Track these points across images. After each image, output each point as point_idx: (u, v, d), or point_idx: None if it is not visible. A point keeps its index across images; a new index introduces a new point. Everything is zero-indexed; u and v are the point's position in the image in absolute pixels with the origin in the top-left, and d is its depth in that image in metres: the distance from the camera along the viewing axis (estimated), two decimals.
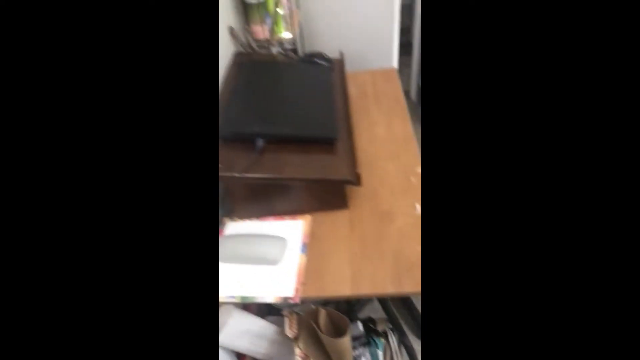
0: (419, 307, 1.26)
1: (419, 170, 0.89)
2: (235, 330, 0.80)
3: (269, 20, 1.23)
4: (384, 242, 0.76)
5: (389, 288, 0.68)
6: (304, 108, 0.87)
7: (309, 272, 0.73)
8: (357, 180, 0.75)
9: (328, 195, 0.82)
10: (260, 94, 0.90)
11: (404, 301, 1.26)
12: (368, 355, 0.94)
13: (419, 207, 0.81)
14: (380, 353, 0.95)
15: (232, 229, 0.84)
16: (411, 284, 0.68)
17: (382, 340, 0.98)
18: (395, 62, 1.68)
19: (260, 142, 0.77)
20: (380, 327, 1.01)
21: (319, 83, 0.98)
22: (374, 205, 0.83)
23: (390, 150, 0.96)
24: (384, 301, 1.29)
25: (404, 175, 0.89)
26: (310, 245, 0.78)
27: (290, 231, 0.81)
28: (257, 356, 0.85)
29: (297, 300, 0.69)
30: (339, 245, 0.77)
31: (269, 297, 0.71)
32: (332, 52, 1.17)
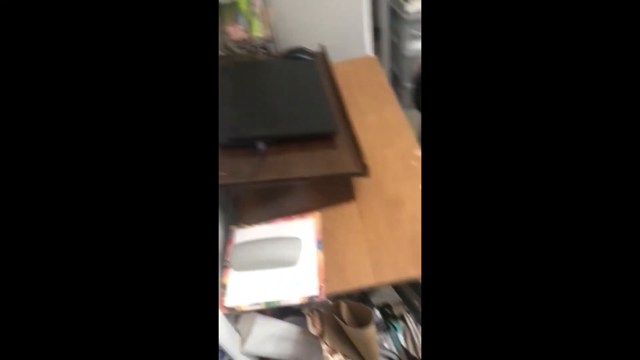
0: None
1: (419, 153, 0.91)
2: (260, 336, 0.79)
3: (242, 20, 1.20)
4: (398, 228, 0.77)
5: (412, 272, 0.69)
6: (298, 105, 0.87)
7: (329, 268, 0.73)
8: (364, 171, 0.76)
9: (335, 189, 0.82)
10: (251, 95, 0.88)
11: (413, 282, 1.29)
12: (390, 340, 0.96)
13: None
14: (400, 336, 0.97)
15: (242, 236, 0.83)
16: None
17: (401, 323, 0.99)
18: (369, 50, 1.69)
19: (261, 145, 0.75)
20: (396, 311, 1.03)
21: (306, 78, 0.97)
22: (380, 193, 0.84)
23: (386, 137, 0.97)
24: (396, 285, 1.32)
25: (403, 160, 0.91)
26: (325, 242, 0.78)
27: (302, 230, 0.81)
28: (285, 358, 0.84)
29: (324, 298, 0.69)
30: (354, 237, 0.77)
31: (294, 298, 0.71)
32: (308, 47, 1.16)
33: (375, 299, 1.22)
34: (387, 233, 0.76)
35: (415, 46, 1.82)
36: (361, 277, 0.70)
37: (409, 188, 0.84)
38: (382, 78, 1.18)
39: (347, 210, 0.82)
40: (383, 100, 1.09)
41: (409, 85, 1.91)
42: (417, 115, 1.13)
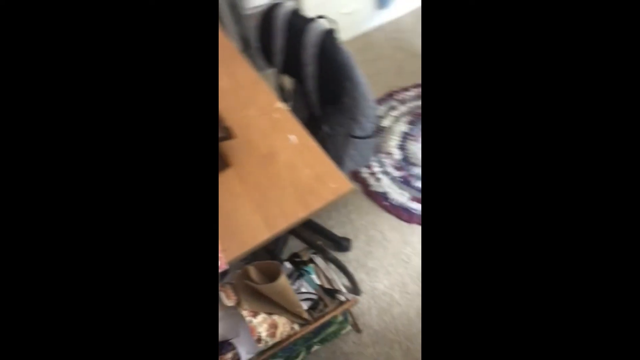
0: (321, 223, 1.40)
1: (278, 105, 0.93)
2: None
3: None
4: (277, 179, 0.79)
5: (300, 213, 0.73)
6: None
7: (223, 237, 0.73)
8: (229, 134, 0.75)
9: None
10: None
11: (310, 226, 1.37)
12: (305, 283, 1.03)
13: (292, 137, 0.86)
14: (314, 277, 1.04)
15: None
16: (317, 201, 0.75)
17: (311, 265, 1.06)
18: None
19: None
20: (305, 257, 1.09)
21: None
22: (253, 152, 0.85)
23: (244, 97, 0.96)
24: (297, 234, 1.38)
25: (266, 115, 0.92)
26: None
27: None
28: None
29: (226, 266, 0.69)
30: (239, 201, 0.77)
31: None
32: None
33: (285, 255, 1.27)
34: (269, 187, 0.78)
35: (253, 2, 1.78)
36: (257, 235, 0.72)
37: (278, 140, 0.86)
38: (225, 41, 1.14)
39: (225, 178, 0.81)
40: (232, 63, 1.06)
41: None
42: (272, 74, 1.14)
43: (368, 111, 1.04)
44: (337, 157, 1.15)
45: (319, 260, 1.10)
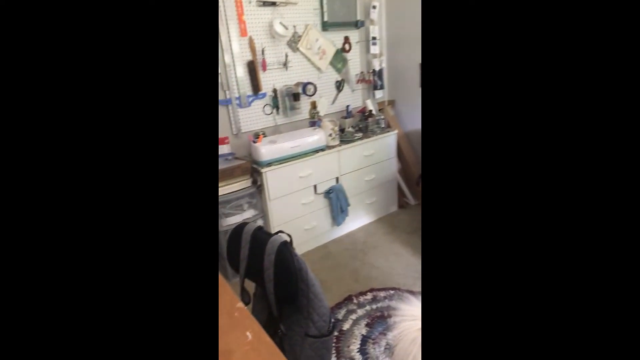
0: None
1: (239, 305, 1.04)
2: None
3: None
4: None
5: None
6: None
7: None
8: None
9: None
10: None
11: None
12: None
13: (249, 334, 0.93)
14: None
15: None
16: None
17: None
18: None
19: None
20: None
21: None
22: None
23: None
24: None
25: (227, 314, 1.01)
26: None
27: None
28: None
29: None
30: None
31: None
32: None
33: None
34: None
35: (228, 222, 2.11)
36: None
37: (236, 337, 0.93)
38: None
39: None
40: None
41: None
42: (238, 281, 1.29)
43: (321, 310, 1.15)
44: (295, 357, 1.17)
45: None
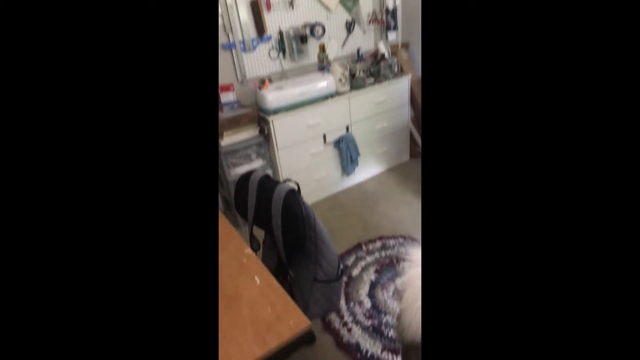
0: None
1: (248, 251, 1.04)
2: None
3: None
4: (240, 319, 0.83)
5: (257, 352, 0.75)
6: None
7: None
8: None
9: None
10: None
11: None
12: None
13: (257, 279, 0.94)
14: None
15: None
16: (275, 339, 0.77)
17: None
18: None
19: None
20: None
21: None
22: (219, 295, 0.90)
23: (219, 246, 1.08)
24: None
25: (236, 260, 1.02)
26: None
27: None
28: None
29: None
30: None
31: None
32: None
33: None
34: (231, 327, 0.81)
35: (236, 172, 2.10)
36: None
37: (244, 282, 0.93)
38: None
39: None
40: None
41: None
42: (247, 229, 1.29)
43: (329, 256, 1.15)
44: (304, 301, 1.19)
45: None
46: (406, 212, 2.19)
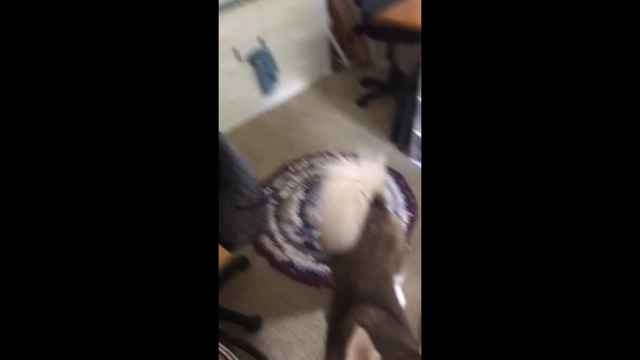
0: (229, 307, 1.30)
1: None
2: None
3: None
4: None
5: None
6: None
7: None
8: None
9: None
10: None
11: None
12: None
13: None
14: None
15: None
16: None
17: None
18: None
19: None
20: None
21: None
22: None
23: None
24: None
25: None
26: None
27: None
28: None
29: None
30: None
31: None
32: None
33: None
34: None
35: None
36: None
37: None
38: None
39: None
40: None
41: None
42: None
43: (248, 182, 1.08)
44: (228, 230, 1.14)
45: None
46: (330, 128, 2.16)
